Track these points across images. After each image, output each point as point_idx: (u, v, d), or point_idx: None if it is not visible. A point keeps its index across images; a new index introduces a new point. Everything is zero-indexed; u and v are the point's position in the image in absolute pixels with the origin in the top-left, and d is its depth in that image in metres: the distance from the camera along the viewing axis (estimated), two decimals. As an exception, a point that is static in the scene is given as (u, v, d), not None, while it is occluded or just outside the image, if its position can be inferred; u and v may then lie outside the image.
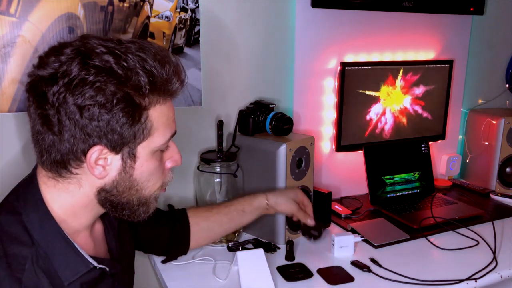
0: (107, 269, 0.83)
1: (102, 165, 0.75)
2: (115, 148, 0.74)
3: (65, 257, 0.76)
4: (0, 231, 0.74)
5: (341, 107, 1.61)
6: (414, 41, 1.75)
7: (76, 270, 0.77)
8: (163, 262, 1.20)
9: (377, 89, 1.67)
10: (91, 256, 0.80)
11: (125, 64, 0.71)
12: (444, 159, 1.92)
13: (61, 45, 0.73)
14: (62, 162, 0.74)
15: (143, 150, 0.77)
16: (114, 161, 0.75)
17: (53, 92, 0.70)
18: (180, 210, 1.21)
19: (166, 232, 1.15)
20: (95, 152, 0.73)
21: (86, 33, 1.20)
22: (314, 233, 1.24)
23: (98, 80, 0.69)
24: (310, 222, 1.23)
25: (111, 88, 0.70)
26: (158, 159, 0.80)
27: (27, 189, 0.79)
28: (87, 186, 0.77)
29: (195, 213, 1.20)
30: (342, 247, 1.27)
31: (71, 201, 0.78)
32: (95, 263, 0.79)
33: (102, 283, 0.83)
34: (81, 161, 0.74)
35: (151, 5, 1.29)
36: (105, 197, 0.78)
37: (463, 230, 1.42)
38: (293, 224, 1.32)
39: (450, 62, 1.79)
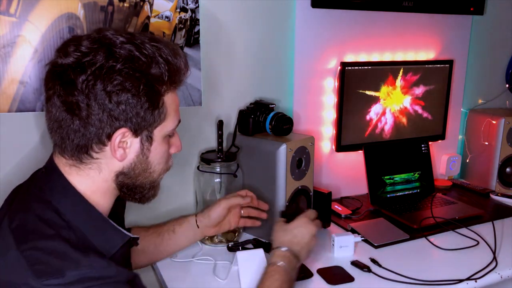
0: (138, 236, 0.92)
1: (123, 148, 0.80)
2: (136, 131, 0.80)
3: (103, 233, 0.82)
4: (36, 219, 0.76)
5: (341, 107, 1.61)
6: (414, 41, 1.75)
7: (115, 243, 0.83)
8: None
9: (377, 89, 1.67)
10: None
11: (145, 52, 0.78)
12: (444, 159, 1.92)
13: (76, 37, 0.79)
14: (85, 147, 0.79)
15: (158, 133, 0.84)
16: (133, 144, 0.81)
17: (81, 79, 0.75)
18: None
19: None
20: (120, 135, 0.79)
21: (87, 32, 1.20)
22: (290, 211, 1.18)
23: (125, 68, 0.75)
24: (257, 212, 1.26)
25: (136, 75, 0.76)
26: (167, 143, 0.88)
27: (50, 179, 0.82)
28: (107, 171, 0.82)
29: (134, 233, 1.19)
30: (342, 247, 1.27)
31: (92, 187, 0.82)
32: (130, 234, 0.86)
33: (128, 259, 0.91)
34: (103, 144, 0.79)
35: (151, 5, 1.29)
36: (122, 180, 0.84)
37: (463, 230, 1.42)
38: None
39: (450, 62, 1.79)
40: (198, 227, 1.20)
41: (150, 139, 0.83)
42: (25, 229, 0.74)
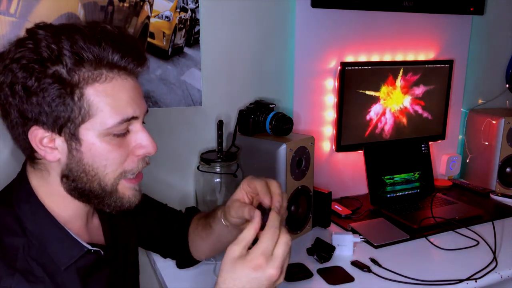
0: (102, 252, 0.83)
1: (50, 147, 0.73)
2: (54, 128, 0.72)
3: (59, 243, 0.76)
4: None
5: (341, 107, 1.61)
6: (414, 41, 1.75)
7: (71, 254, 0.77)
8: (178, 267, 1.15)
9: (377, 89, 1.67)
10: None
11: (53, 46, 0.69)
12: (444, 159, 1.92)
13: None
14: (25, 149, 0.76)
15: (88, 132, 0.73)
16: (60, 143, 0.73)
17: None
18: (189, 212, 1.15)
19: (169, 232, 1.10)
20: (35, 132, 0.72)
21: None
22: (324, 255, 1.22)
23: (23, 58, 0.69)
24: (267, 201, 0.82)
25: (35, 67, 0.68)
26: (113, 143, 0.74)
27: (18, 182, 0.81)
28: (54, 174, 0.77)
29: (195, 221, 1.11)
30: (340, 246, 1.27)
31: (51, 190, 0.78)
32: (89, 246, 0.79)
33: (99, 270, 0.83)
34: (29, 144, 0.74)
35: (151, 5, 1.29)
36: (69, 184, 0.76)
37: (463, 230, 1.42)
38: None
39: (450, 62, 1.79)
40: (222, 220, 0.98)
41: (75, 138, 0.73)
42: None
